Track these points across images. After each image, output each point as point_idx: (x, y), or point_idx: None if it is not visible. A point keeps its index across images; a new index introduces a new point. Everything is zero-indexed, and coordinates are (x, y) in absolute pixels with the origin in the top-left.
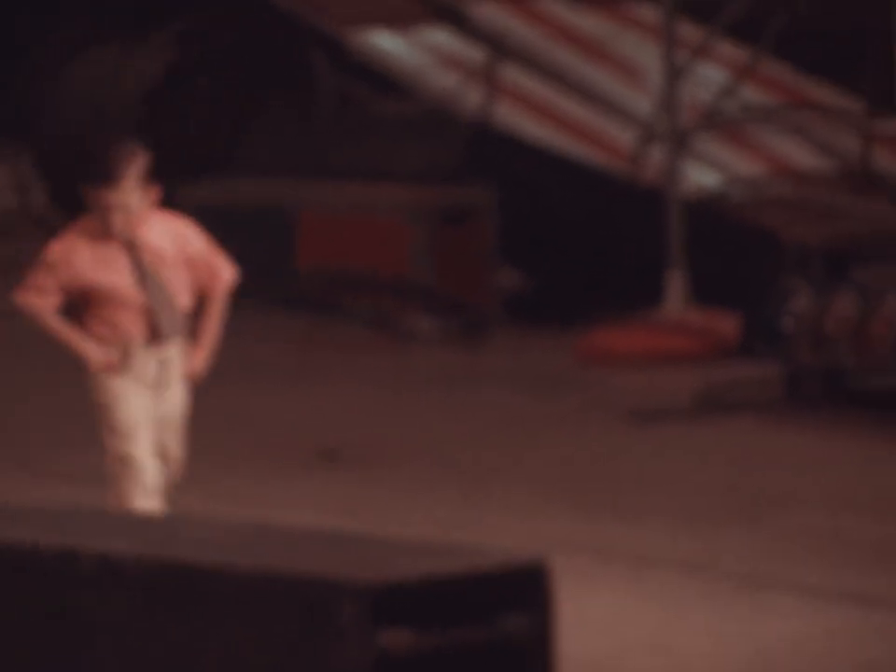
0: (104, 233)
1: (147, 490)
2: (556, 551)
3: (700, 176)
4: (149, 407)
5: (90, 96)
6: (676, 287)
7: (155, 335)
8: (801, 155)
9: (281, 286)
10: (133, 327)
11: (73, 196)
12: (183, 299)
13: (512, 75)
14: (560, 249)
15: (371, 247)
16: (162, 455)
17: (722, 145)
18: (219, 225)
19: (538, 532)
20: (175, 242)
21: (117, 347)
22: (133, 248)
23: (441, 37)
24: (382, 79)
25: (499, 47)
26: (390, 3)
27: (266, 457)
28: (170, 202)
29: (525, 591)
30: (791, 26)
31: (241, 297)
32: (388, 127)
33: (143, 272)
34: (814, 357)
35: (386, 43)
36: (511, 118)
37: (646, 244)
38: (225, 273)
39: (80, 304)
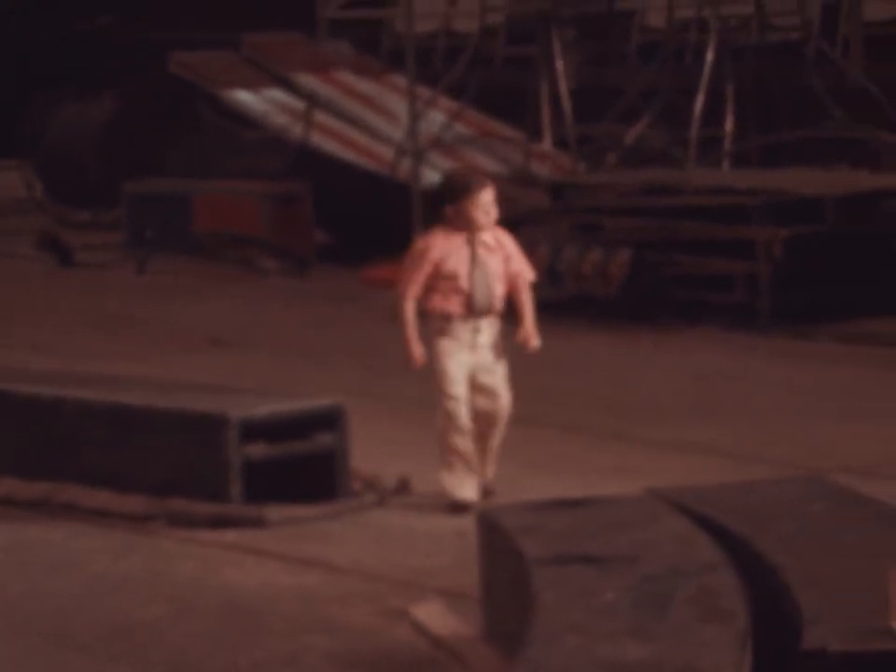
0: (456, 231)
1: (463, 431)
2: (350, 396)
3: (431, 177)
4: (466, 363)
5: (67, 130)
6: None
7: (469, 311)
8: (489, 164)
9: (183, 242)
10: (456, 305)
11: (60, 190)
12: (499, 286)
13: (321, 116)
14: (350, 219)
15: (239, 218)
16: (490, 394)
17: (444, 158)
18: (148, 203)
19: (336, 383)
20: (498, 242)
21: (443, 318)
22: (473, 243)
23: (277, 94)
24: (243, 118)
25: (313, 100)
26: (246, 73)
27: (175, 343)
28: (120, 193)
29: (331, 420)
30: (482, 88)
31: (156, 251)
32: (248, 146)
33: (475, 261)
34: (575, 288)
35: (245, 97)
36: (321, 141)
37: (401, 215)
38: (528, 273)
39: (428, 283)
